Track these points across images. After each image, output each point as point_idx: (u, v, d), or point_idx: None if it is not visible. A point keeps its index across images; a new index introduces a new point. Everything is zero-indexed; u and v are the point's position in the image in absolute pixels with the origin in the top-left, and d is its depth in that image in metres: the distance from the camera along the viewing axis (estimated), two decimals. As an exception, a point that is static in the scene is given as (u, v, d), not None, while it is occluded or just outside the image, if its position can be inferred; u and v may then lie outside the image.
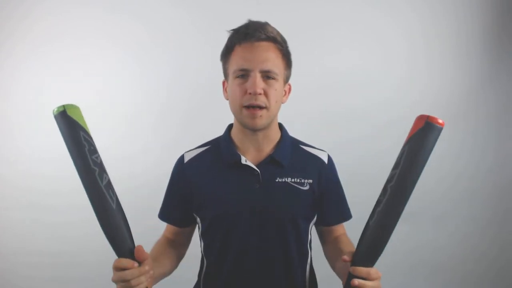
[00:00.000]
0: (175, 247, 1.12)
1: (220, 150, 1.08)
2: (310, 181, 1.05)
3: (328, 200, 1.09)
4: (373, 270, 0.83)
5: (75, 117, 0.85)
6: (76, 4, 2.08)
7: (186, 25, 2.12)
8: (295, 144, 1.11)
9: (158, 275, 0.97)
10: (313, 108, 2.15)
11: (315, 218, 1.11)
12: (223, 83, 1.07)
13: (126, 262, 0.83)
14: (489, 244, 2.31)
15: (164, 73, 2.14)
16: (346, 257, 0.86)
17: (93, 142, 0.87)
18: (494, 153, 2.29)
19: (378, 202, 0.85)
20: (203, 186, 1.05)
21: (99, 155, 0.87)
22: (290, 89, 1.09)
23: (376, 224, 0.84)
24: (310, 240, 1.12)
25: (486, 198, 2.30)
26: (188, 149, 1.12)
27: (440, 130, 0.81)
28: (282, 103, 1.05)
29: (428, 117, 0.81)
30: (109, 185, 0.87)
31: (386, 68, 2.21)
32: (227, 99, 1.04)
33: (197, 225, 1.13)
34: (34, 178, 2.13)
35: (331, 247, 1.11)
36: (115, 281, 0.83)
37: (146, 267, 0.85)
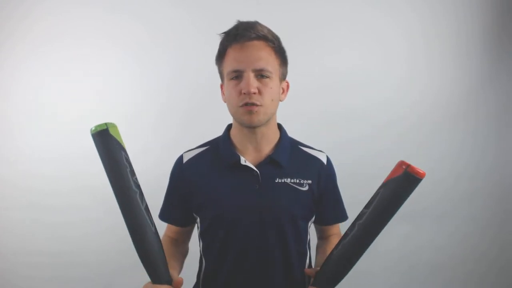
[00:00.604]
0: (178, 245, 1.14)
1: (219, 150, 1.08)
2: (309, 181, 1.06)
3: (325, 201, 1.10)
4: None
5: (116, 136, 0.81)
6: (76, 4, 2.07)
7: (186, 25, 2.12)
8: (294, 144, 1.12)
9: None
10: (313, 108, 2.14)
11: (313, 218, 1.12)
12: (221, 86, 1.07)
13: None
14: (489, 244, 2.31)
15: (164, 73, 2.14)
16: (307, 271, 0.96)
17: (131, 162, 0.84)
18: (494, 153, 2.29)
19: (345, 235, 0.87)
20: (203, 186, 1.05)
21: (137, 177, 0.84)
22: (288, 86, 1.09)
23: (339, 256, 0.87)
24: (309, 240, 1.12)
25: (486, 198, 2.30)
26: (187, 149, 1.12)
27: (418, 181, 0.79)
28: (281, 101, 1.05)
29: (408, 166, 0.79)
30: (147, 208, 0.85)
31: (386, 68, 2.20)
32: (225, 102, 1.04)
33: (196, 225, 1.14)
34: (34, 178, 2.13)
35: (320, 244, 1.18)
36: None
37: None
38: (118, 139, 0.82)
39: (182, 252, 1.15)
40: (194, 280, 1.15)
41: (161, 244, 0.88)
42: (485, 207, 2.30)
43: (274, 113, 1.04)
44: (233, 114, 1.02)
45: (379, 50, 2.20)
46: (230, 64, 0.98)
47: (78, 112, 2.12)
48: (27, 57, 2.09)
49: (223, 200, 1.02)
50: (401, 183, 0.80)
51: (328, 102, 2.16)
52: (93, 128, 0.81)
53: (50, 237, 2.15)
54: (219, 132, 1.13)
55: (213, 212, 1.04)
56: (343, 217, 1.17)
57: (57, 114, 2.12)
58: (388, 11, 2.18)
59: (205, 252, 1.10)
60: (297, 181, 1.04)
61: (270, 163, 1.04)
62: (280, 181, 1.03)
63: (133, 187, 0.82)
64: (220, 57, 1.02)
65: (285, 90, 1.07)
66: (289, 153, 1.07)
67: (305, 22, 2.12)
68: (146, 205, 0.85)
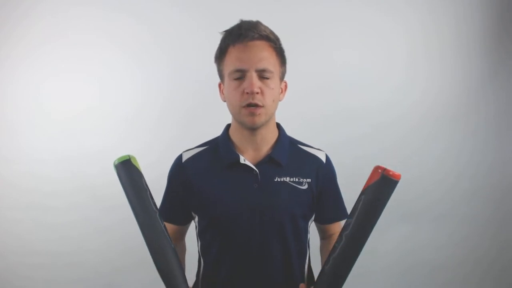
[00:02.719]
0: (177, 244, 1.14)
1: (219, 150, 1.08)
2: (309, 180, 1.06)
3: (325, 199, 1.10)
4: None
5: (136, 165, 0.93)
6: (76, 3, 2.08)
7: (187, 25, 2.12)
8: (293, 143, 1.12)
9: None
10: (313, 108, 2.15)
11: (313, 217, 1.12)
12: (219, 85, 1.07)
13: None
14: (489, 244, 2.31)
15: (165, 73, 2.14)
16: (302, 286, 0.97)
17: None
18: (494, 153, 2.29)
19: (334, 249, 0.88)
20: (202, 185, 1.05)
21: (155, 201, 0.94)
22: (286, 86, 1.09)
23: (331, 270, 0.87)
24: (309, 240, 1.12)
25: (486, 198, 2.30)
26: (186, 149, 1.13)
27: (395, 183, 0.82)
28: (280, 100, 1.05)
29: (384, 169, 0.82)
30: (166, 227, 0.93)
31: (386, 68, 2.21)
32: (224, 101, 1.04)
33: (193, 224, 1.14)
34: (34, 178, 2.13)
35: (323, 244, 1.18)
36: None
37: None
38: (138, 167, 0.93)
39: (181, 250, 1.16)
40: (193, 279, 1.15)
41: (179, 259, 0.92)
42: (485, 207, 2.30)
43: (274, 113, 1.04)
44: (234, 114, 1.02)
45: (380, 50, 2.20)
46: (232, 63, 0.98)
47: (78, 112, 2.12)
48: (27, 57, 2.09)
49: (222, 199, 1.02)
50: (380, 188, 0.83)
51: (328, 102, 2.17)
52: (116, 160, 0.91)
53: (50, 237, 2.15)
54: (219, 132, 1.13)
55: (212, 211, 1.04)
56: (344, 215, 1.16)
57: (57, 114, 2.12)
58: (388, 11, 2.18)
59: (204, 252, 1.10)
60: (296, 179, 1.04)
61: (269, 162, 1.04)
62: (279, 180, 1.03)
63: (154, 207, 0.91)
64: (221, 56, 1.02)
65: (283, 90, 1.08)
66: (288, 152, 1.07)
67: (305, 22, 2.12)
68: (165, 225, 0.93)
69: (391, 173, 0.81)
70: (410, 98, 2.22)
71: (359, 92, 2.19)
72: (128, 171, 0.90)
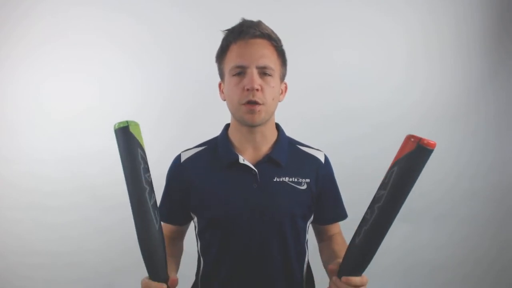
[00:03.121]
0: (175, 243, 1.14)
1: (217, 149, 1.07)
2: (308, 180, 1.05)
3: (324, 199, 1.10)
4: (364, 278, 0.90)
5: (135, 134, 0.85)
6: (76, 3, 2.08)
7: (187, 25, 2.12)
8: (292, 144, 1.12)
9: None
10: (313, 108, 2.15)
11: (312, 217, 1.11)
12: (219, 84, 1.07)
13: (160, 286, 0.86)
14: (489, 244, 2.31)
15: (165, 73, 2.14)
16: (332, 267, 0.91)
17: (147, 161, 0.87)
18: (494, 153, 2.29)
19: (365, 221, 0.86)
20: (201, 186, 1.04)
21: (150, 175, 0.88)
22: (286, 87, 1.09)
23: (363, 243, 0.86)
24: (307, 240, 1.12)
25: (486, 198, 2.30)
26: (185, 149, 1.12)
27: (431, 152, 0.78)
28: (279, 101, 1.05)
29: (420, 139, 0.78)
30: (155, 206, 0.88)
31: (386, 68, 2.21)
32: (224, 100, 1.04)
33: (193, 224, 1.13)
34: (34, 178, 2.13)
35: (325, 245, 1.15)
36: None
37: None
38: (137, 137, 0.85)
39: (179, 251, 1.16)
40: (193, 279, 1.15)
41: (163, 242, 0.88)
42: (485, 207, 2.30)
43: (273, 112, 1.04)
44: (233, 112, 1.02)
45: (380, 50, 2.20)
46: (233, 60, 0.98)
47: (78, 112, 2.12)
48: (27, 57, 2.09)
49: (221, 199, 1.02)
50: (415, 158, 0.79)
51: (328, 102, 2.17)
52: (116, 125, 0.86)
53: (50, 237, 2.15)
54: (219, 132, 1.13)
55: (211, 211, 1.03)
56: (343, 215, 1.16)
57: (57, 114, 2.12)
58: (388, 11, 2.18)
59: (204, 252, 1.09)
60: (296, 180, 1.04)
61: (269, 162, 1.03)
62: (278, 180, 1.03)
63: (144, 183, 0.85)
64: (222, 54, 1.02)
65: (283, 91, 1.08)
66: (287, 152, 1.07)
67: (305, 22, 2.12)
68: (155, 203, 0.87)
69: (425, 141, 0.77)
70: (410, 98, 2.22)
71: (359, 92, 2.19)
72: (124, 138, 0.85)
